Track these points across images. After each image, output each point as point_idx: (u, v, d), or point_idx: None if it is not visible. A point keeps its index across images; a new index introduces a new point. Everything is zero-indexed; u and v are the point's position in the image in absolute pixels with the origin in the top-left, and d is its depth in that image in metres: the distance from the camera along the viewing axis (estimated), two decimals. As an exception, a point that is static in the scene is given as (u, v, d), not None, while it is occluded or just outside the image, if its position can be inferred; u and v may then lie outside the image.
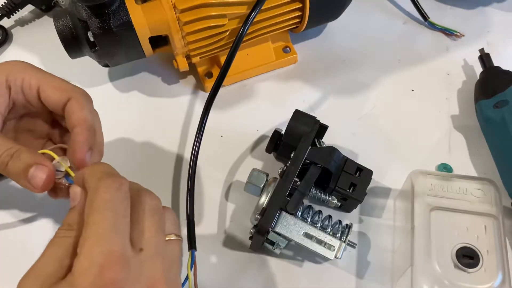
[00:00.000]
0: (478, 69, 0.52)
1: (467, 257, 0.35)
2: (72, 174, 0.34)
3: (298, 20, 0.51)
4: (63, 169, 0.34)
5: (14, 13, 0.58)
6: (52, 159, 0.34)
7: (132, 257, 0.27)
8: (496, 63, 0.51)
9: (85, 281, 0.25)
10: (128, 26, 0.44)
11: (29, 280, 0.27)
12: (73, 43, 0.46)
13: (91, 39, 0.45)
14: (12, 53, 0.56)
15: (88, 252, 0.26)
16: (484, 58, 0.52)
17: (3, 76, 0.36)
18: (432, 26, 0.57)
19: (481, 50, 0.52)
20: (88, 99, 0.38)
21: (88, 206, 0.28)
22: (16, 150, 0.34)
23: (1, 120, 0.37)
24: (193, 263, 0.40)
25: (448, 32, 0.57)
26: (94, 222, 0.27)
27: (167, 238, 0.31)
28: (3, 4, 0.57)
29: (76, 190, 0.31)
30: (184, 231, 0.44)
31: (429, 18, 0.57)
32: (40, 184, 0.33)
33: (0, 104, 0.36)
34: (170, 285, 0.29)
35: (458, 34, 0.57)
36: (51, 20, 0.59)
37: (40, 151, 0.35)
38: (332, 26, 0.57)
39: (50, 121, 0.41)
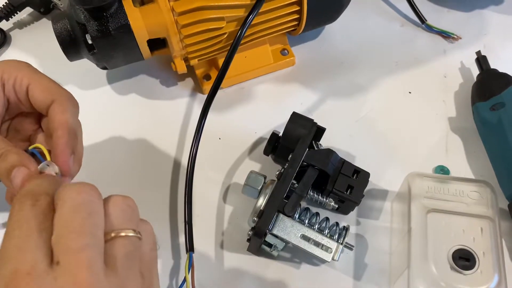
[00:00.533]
0: (475, 71, 0.53)
1: (463, 259, 0.35)
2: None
3: (296, 22, 0.51)
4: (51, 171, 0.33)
5: (12, 16, 0.58)
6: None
7: (45, 272, 0.23)
8: (492, 65, 0.51)
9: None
10: (126, 29, 0.44)
11: None
12: (71, 45, 0.46)
13: (90, 41, 0.45)
14: (11, 55, 0.57)
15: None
16: (481, 60, 0.52)
17: None
18: (430, 28, 0.58)
19: (478, 53, 0.52)
20: (73, 103, 0.38)
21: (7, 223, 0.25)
22: (5, 150, 0.33)
23: None
24: (190, 265, 0.40)
25: (445, 35, 0.57)
26: (4, 240, 0.25)
27: (111, 236, 0.26)
28: (2, 6, 0.57)
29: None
30: (181, 233, 0.44)
31: (426, 20, 0.58)
32: (19, 185, 0.31)
33: None
34: None
35: (455, 36, 0.57)
36: (50, 22, 0.59)
37: (33, 146, 0.35)
38: (330, 28, 0.58)
39: (38, 124, 0.40)
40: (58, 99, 0.36)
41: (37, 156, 0.34)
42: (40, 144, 0.35)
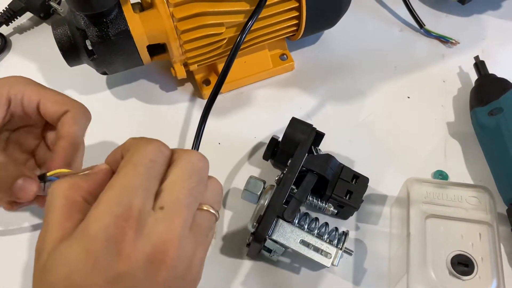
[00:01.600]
0: (474, 76, 0.53)
1: (462, 265, 0.35)
2: None
3: (295, 28, 0.51)
4: None
5: (12, 21, 0.58)
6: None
7: (149, 214, 0.26)
8: (491, 70, 0.52)
9: (97, 227, 0.25)
10: (126, 34, 0.44)
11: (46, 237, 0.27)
12: (71, 51, 0.47)
13: (89, 47, 0.45)
14: (11, 60, 0.57)
15: (107, 200, 0.26)
16: (479, 65, 0.52)
17: (4, 90, 0.37)
18: (428, 33, 0.58)
19: (476, 58, 0.53)
20: (86, 116, 0.39)
21: (125, 160, 0.28)
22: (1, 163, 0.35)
23: None
24: (190, 270, 0.40)
25: (443, 40, 0.57)
26: (124, 174, 0.27)
27: (203, 207, 0.29)
28: (2, 11, 0.57)
29: (100, 166, 0.31)
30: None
31: (425, 25, 0.58)
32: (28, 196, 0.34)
33: None
34: (184, 254, 0.27)
35: (453, 41, 0.57)
36: (50, 27, 0.59)
37: (52, 173, 0.34)
38: (329, 33, 0.58)
39: (40, 138, 0.42)
40: (71, 110, 0.38)
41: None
42: (60, 169, 0.35)
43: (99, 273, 0.25)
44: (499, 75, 0.51)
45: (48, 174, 0.34)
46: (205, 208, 0.29)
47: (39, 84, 0.39)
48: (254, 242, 0.39)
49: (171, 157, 0.29)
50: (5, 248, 0.44)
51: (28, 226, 0.45)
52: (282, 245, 0.39)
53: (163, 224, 0.26)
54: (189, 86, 0.55)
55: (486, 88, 0.50)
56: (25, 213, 0.46)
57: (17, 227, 0.45)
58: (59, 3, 0.59)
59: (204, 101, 0.53)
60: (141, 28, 0.45)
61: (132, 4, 0.46)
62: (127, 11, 0.44)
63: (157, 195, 0.27)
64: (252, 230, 0.39)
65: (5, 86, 0.38)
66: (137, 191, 0.27)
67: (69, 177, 0.29)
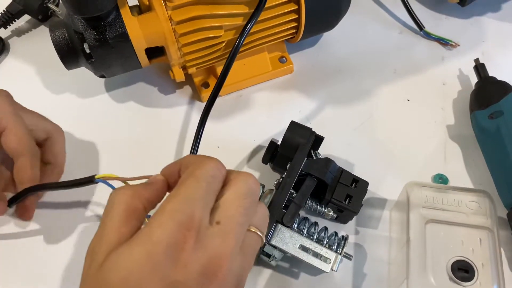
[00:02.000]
0: (474, 78, 0.53)
1: (462, 271, 0.35)
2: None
3: (294, 30, 0.51)
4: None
5: (11, 23, 0.58)
6: None
7: (207, 227, 0.28)
8: (491, 73, 0.51)
9: (160, 233, 0.26)
10: (124, 37, 0.44)
11: (100, 242, 0.28)
12: (69, 54, 0.46)
13: (87, 50, 0.45)
14: (10, 63, 0.56)
15: (172, 208, 0.27)
16: (479, 68, 0.52)
17: None
18: (428, 35, 0.58)
19: (476, 60, 0.52)
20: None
21: (188, 173, 0.29)
22: None
23: None
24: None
25: (443, 42, 0.57)
26: (188, 186, 0.28)
27: (251, 229, 0.30)
28: (0, 14, 0.57)
29: (157, 177, 0.32)
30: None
31: (424, 27, 0.58)
32: None
33: None
34: (234, 271, 0.28)
35: (453, 43, 0.57)
36: (48, 29, 0.59)
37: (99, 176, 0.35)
38: (328, 36, 0.58)
39: None
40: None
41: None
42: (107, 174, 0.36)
43: (156, 278, 0.26)
44: (499, 78, 0.51)
45: (96, 177, 0.35)
46: (253, 229, 0.30)
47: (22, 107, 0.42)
48: (253, 247, 0.39)
49: (227, 177, 0.31)
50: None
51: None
52: (281, 250, 0.39)
53: (219, 238, 0.28)
54: (187, 89, 0.54)
55: (486, 91, 0.49)
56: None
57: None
58: (57, 5, 0.59)
59: (203, 104, 0.53)
60: (139, 31, 0.44)
61: (130, 7, 0.45)
62: (125, 14, 0.44)
63: (213, 210, 0.29)
64: (251, 235, 0.39)
65: None
66: (199, 203, 0.28)
67: (131, 185, 0.31)
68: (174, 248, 0.26)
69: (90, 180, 0.36)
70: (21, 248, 0.44)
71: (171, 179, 0.32)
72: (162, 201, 0.29)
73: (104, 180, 0.35)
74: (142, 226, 0.29)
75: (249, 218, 0.30)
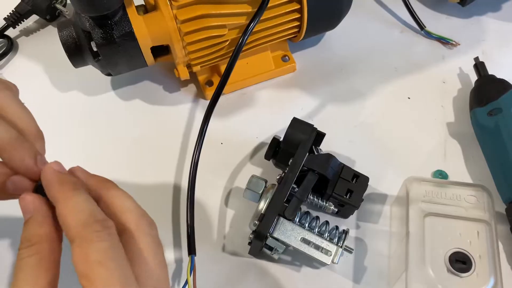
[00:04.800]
0: (473, 77, 0.53)
1: (460, 262, 0.36)
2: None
3: (297, 30, 0.52)
4: None
5: (19, 23, 0.59)
6: None
7: None
8: (490, 71, 0.52)
9: None
10: (130, 36, 0.45)
11: None
12: (76, 53, 0.47)
13: (94, 49, 0.46)
14: (18, 62, 0.58)
15: None
16: (479, 66, 0.52)
17: None
18: (428, 35, 0.58)
19: (476, 59, 0.53)
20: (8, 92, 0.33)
21: (82, 260, 0.26)
22: None
23: None
24: (192, 268, 0.41)
25: (444, 41, 0.58)
26: (100, 278, 0.26)
27: None
28: (9, 14, 0.58)
29: (29, 200, 0.29)
30: (183, 236, 0.45)
31: (425, 27, 0.58)
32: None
33: None
34: None
35: (453, 43, 0.58)
36: (56, 29, 0.60)
37: None
38: (330, 35, 0.59)
39: None
40: None
41: None
42: None
43: None
44: (498, 76, 0.51)
45: None
46: None
47: None
48: (256, 240, 0.40)
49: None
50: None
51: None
52: (283, 242, 0.40)
53: None
54: (192, 87, 0.56)
55: (485, 89, 0.50)
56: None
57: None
58: (64, 5, 0.60)
59: (207, 102, 0.54)
60: (145, 30, 0.45)
61: (136, 6, 0.46)
62: (131, 13, 0.45)
63: None
64: (254, 228, 0.40)
65: None
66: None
67: (28, 235, 0.28)
68: None
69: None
70: None
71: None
72: None
73: None
74: None
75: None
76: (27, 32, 0.60)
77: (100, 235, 0.27)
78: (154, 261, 0.28)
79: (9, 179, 0.30)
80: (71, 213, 0.28)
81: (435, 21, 0.60)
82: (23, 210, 0.29)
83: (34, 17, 0.60)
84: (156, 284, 0.28)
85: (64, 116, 0.53)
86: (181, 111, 0.54)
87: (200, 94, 0.55)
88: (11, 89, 0.33)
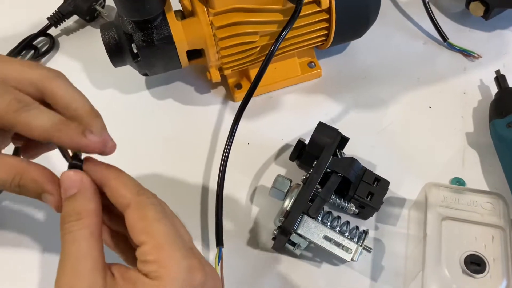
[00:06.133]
0: (494, 89, 0.55)
1: (475, 264, 0.38)
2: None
3: (324, 38, 0.54)
4: None
5: (61, 23, 0.62)
6: None
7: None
8: (511, 84, 0.54)
9: (177, 284, 0.29)
10: (168, 40, 0.48)
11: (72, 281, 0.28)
12: (117, 53, 0.50)
13: (135, 50, 0.49)
14: (59, 59, 0.61)
15: (174, 260, 0.30)
16: (500, 79, 0.54)
17: None
18: (451, 47, 0.60)
19: (497, 72, 0.55)
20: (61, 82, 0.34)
21: (142, 219, 0.31)
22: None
23: None
24: (220, 259, 0.44)
25: (466, 53, 0.60)
26: (160, 232, 0.30)
27: None
28: (52, 14, 0.62)
29: (76, 177, 0.31)
30: (211, 229, 0.48)
31: (448, 39, 0.60)
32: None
33: None
34: None
35: (476, 55, 0.59)
36: (94, 29, 0.64)
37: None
38: (356, 44, 0.61)
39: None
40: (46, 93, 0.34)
41: None
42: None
43: None
44: (518, 89, 0.53)
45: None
46: None
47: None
48: (281, 235, 0.42)
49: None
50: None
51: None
52: (306, 239, 0.42)
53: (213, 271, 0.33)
54: (221, 89, 0.58)
55: (505, 101, 0.52)
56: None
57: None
58: (103, 7, 0.64)
59: (235, 104, 0.57)
60: (182, 35, 0.48)
61: (174, 11, 0.49)
62: (171, 19, 0.48)
63: None
64: (279, 224, 0.43)
65: None
66: (189, 248, 0.32)
67: (76, 208, 0.31)
68: None
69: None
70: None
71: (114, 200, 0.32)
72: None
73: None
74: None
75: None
76: (67, 32, 0.64)
77: (153, 200, 0.32)
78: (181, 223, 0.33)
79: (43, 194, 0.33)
80: (124, 185, 0.32)
81: (458, 33, 0.61)
82: (67, 185, 0.31)
83: (74, 17, 0.63)
84: (190, 244, 0.33)
85: (101, 112, 0.56)
86: (210, 111, 0.57)
87: (229, 96, 0.58)
88: (61, 76, 0.35)
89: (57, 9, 0.62)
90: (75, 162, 0.33)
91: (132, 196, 0.31)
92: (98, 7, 0.63)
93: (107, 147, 0.33)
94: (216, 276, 0.33)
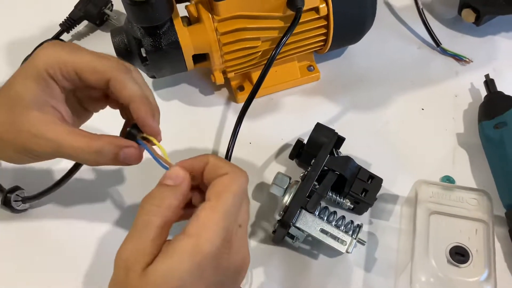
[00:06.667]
0: (483, 92, 0.58)
1: (459, 255, 0.41)
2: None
3: (322, 43, 0.57)
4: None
5: (72, 28, 0.65)
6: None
7: (235, 233, 0.33)
8: (500, 88, 0.56)
9: (210, 247, 0.30)
10: (176, 45, 0.51)
11: (135, 247, 0.31)
12: (127, 57, 0.53)
13: (144, 54, 0.52)
14: (70, 62, 0.64)
15: (215, 224, 0.31)
16: (489, 83, 0.57)
17: (43, 71, 0.36)
18: (444, 51, 0.63)
19: (487, 76, 0.58)
20: (126, 71, 0.38)
21: (226, 187, 0.32)
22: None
23: (64, 109, 0.38)
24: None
25: (458, 58, 0.62)
26: (225, 201, 0.32)
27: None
28: (63, 21, 0.64)
29: (181, 173, 0.34)
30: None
31: (441, 44, 0.63)
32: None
33: (57, 95, 0.37)
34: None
35: (467, 60, 0.62)
36: (104, 33, 0.67)
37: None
38: (353, 48, 0.64)
39: (103, 99, 0.42)
40: (112, 77, 0.37)
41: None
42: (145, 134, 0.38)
43: (203, 282, 0.31)
44: (507, 93, 0.55)
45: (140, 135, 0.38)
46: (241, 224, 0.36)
47: (69, 50, 0.37)
48: (280, 228, 0.45)
49: (222, 168, 0.35)
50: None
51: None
52: (304, 232, 0.45)
53: (243, 240, 0.34)
54: (224, 91, 0.61)
55: (493, 104, 0.55)
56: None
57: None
58: (111, 11, 0.66)
59: (238, 105, 0.60)
60: (189, 40, 0.51)
61: (181, 17, 0.52)
62: (178, 25, 0.51)
63: None
64: (279, 218, 0.45)
65: (42, 67, 0.36)
66: (234, 217, 0.33)
67: (164, 198, 0.33)
68: (218, 257, 0.31)
69: (129, 137, 0.37)
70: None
71: (195, 172, 0.35)
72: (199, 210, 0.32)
73: (146, 145, 0.37)
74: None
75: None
76: (78, 36, 0.67)
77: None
78: None
79: (122, 150, 0.37)
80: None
81: (450, 38, 0.64)
82: (169, 176, 0.34)
83: (84, 22, 0.66)
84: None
85: (108, 115, 0.58)
86: (214, 112, 0.59)
87: (231, 98, 0.61)
88: (128, 71, 0.39)
89: (68, 15, 0.64)
90: (133, 131, 0.38)
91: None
92: (107, 11, 0.66)
93: (157, 138, 0.38)
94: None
